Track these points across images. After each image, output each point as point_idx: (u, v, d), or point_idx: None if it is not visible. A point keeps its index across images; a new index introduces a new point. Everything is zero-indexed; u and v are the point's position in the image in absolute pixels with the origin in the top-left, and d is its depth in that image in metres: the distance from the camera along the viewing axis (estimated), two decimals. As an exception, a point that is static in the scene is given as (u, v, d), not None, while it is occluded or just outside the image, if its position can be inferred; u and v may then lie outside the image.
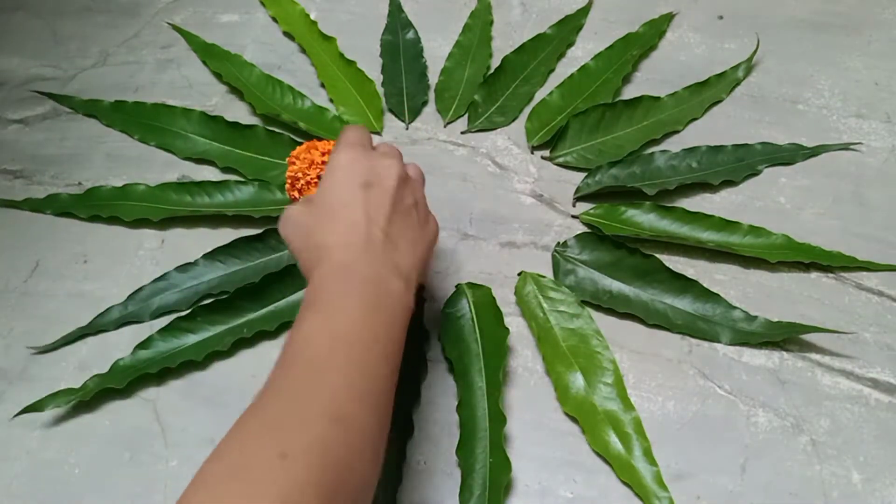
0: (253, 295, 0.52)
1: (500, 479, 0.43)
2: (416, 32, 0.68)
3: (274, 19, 0.71)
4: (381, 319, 0.36)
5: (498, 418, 0.45)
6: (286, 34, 0.70)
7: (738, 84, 0.62)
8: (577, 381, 0.48)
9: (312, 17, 0.70)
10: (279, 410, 0.32)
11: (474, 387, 0.47)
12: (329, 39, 0.67)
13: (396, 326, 0.37)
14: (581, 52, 0.66)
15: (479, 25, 0.68)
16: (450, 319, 0.51)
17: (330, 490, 0.29)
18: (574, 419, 0.47)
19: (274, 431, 0.31)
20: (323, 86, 0.65)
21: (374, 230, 0.38)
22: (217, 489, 0.28)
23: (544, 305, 0.51)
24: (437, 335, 0.51)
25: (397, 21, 0.69)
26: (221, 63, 0.67)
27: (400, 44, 0.67)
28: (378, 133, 0.63)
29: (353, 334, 0.35)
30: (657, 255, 0.52)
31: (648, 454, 0.45)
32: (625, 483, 0.44)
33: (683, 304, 0.50)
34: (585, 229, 0.55)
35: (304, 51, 0.68)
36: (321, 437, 0.30)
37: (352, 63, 0.65)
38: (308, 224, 0.40)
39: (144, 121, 0.64)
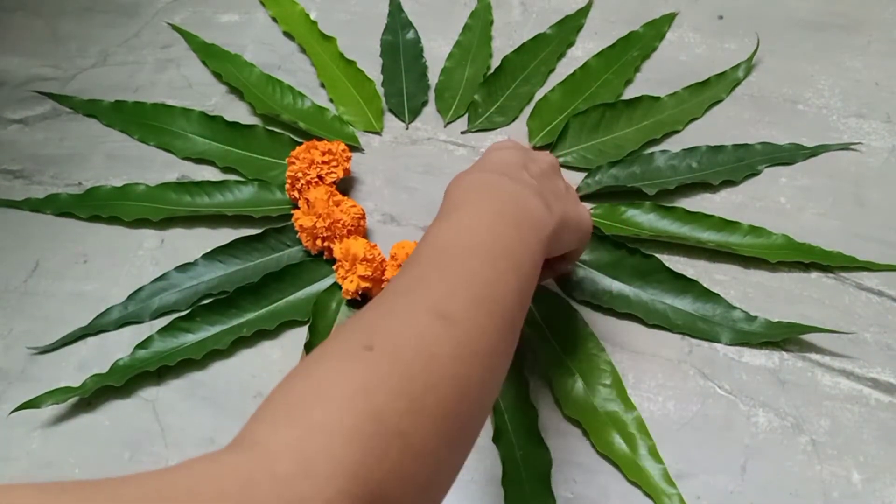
0: (253, 295, 0.52)
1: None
2: (416, 32, 0.68)
3: (274, 19, 0.71)
4: (515, 234, 0.33)
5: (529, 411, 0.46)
6: (286, 34, 0.70)
7: (738, 84, 0.62)
8: (576, 384, 0.48)
9: (312, 17, 0.70)
10: (382, 306, 0.29)
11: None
12: (329, 39, 0.67)
13: (532, 245, 0.34)
14: (581, 52, 0.66)
15: (479, 25, 0.68)
16: None
17: (419, 387, 0.26)
18: (575, 422, 0.47)
19: (368, 326, 0.28)
20: (323, 86, 0.65)
21: (518, 171, 0.37)
22: (291, 381, 0.26)
23: (536, 310, 0.51)
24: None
25: (397, 21, 0.69)
26: (221, 63, 0.67)
27: (400, 44, 0.67)
28: (378, 133, 0.63)
29: (483, 241, 0.32)
30: (657, 255, 0.51)
31: (654, 453, 0.45)
32: (633, 483, 0.44)
33: (683, 304, 0.50)
34: (585, 229, 0.55)
35: (304, 51, 0.68)
36: (418, 332, 0.28)
37: (352, 63, 0.65)
38: (467, 172, 0.38)
39: (144, 121, 0.64)
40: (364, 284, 0.51)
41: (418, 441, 0.25)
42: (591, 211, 0.56)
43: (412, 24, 0.69)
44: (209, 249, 0.55)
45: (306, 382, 0.26)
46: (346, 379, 0.25)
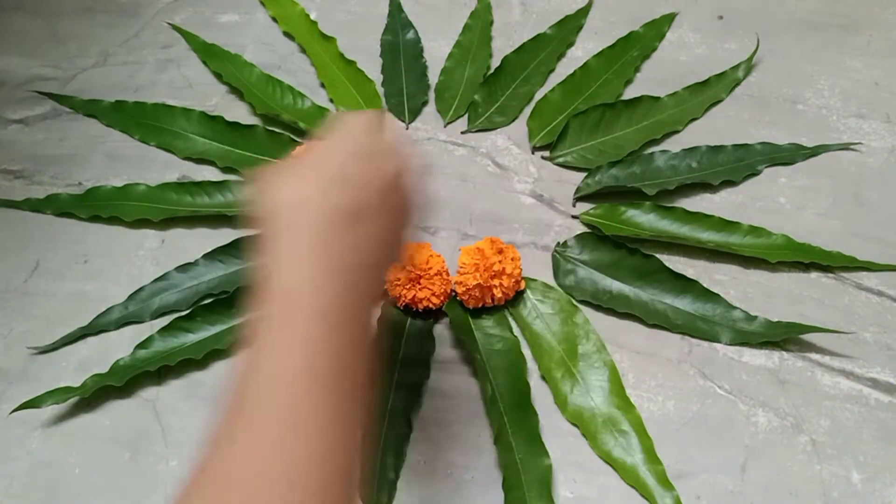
0: (253, 295, 0.52)
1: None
2: (416, 32, 0.68)
3: (274, 19, 0.71)
4: (346, 340, 0.30)
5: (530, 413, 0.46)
6: (286, 34, 0.70)
7: (738, 84, 0.62)
8: (574, 385, 0.48)
9: (312, 17, 0.70)
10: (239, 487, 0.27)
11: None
12: (329, 39, 0.67)
13: (360, 364, 0.31)
14: (581, 52, 0.66)
15: (479, 25, 0.68)
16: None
17: None
18: (575, 423, 0.47)
19: None
20: (323, 86, 0.65)
21: (342, 197, 0.31)
22: None
23: (537, 311, 0.51)
24: (444, 341, 0.51)
25: (397, 21, 0.69)
26: (221, 63, 0.67)
27: (400, 44, 0.67)
28: (378, 133, 0.63)
29: (321, 377, 0.29)
30: (657, 255, 0.52)
31: (651, 453, 0.45)
32: (631, 486, 0.44)
33: (683, 304, 0.50)
34: (585, 229, 0.55)
35: (304, 51, 0.68)
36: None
37: (352, 63, 0.65)
38: (277, 178, 0.32)
39: (144, 121, 0.64)
40: None
41: None
42: (592, 211, 0.56)
43: (412, 24, 0.69)
44: (209, 249, 0.55)
45: None
46: None
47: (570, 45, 0.66)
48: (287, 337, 0.29)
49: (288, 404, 0.28)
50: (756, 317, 0.49)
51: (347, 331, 0.30)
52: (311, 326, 0.29)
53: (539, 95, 0.63)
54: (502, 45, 0.67)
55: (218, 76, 0.67)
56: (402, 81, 0.65)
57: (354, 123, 0.35)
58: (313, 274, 0.30)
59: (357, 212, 0.32)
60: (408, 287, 0.50)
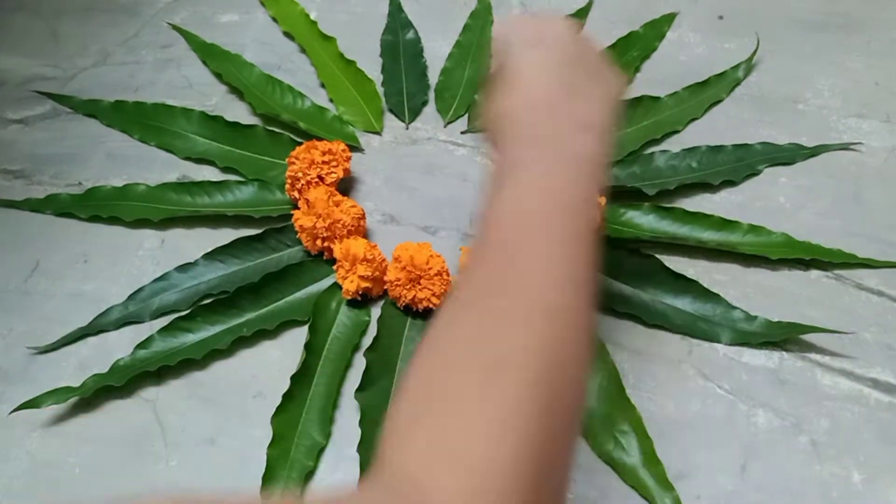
0: (253, 295, 0.52)
1: None
2: (416, 32, 0.68)
3: (274, 19, 0.71)
4: (572, 186, 0.33)
5: None
6: (286, 34, 0.70)
7: (738, 84, 0.62)
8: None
9: (312, 17, 0.70)
10: (486, 311, 0.28)
11: None
12: (329, 39, 0.67)
13: (591, 181, 0.34)
14: (581, 52, 0.66)
15: (479, 25, 0.68)
16: None
17: (548, 399, 0.25)
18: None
19: (477, 342, 0.27)
20: (323, 86, 0.65)
21: (552, 87, 0.36)
22: (427, 403, 0.25)
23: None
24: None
25: (397, 21, 0.69)
26: (221, 63, 0.67)
27: (400, 44, 0.67)
28: (378, 133, 0.63)
29: (555, 199, 0.32)
30: (657, 256, 0.52)
31: (651, 454, 0.45)
32: (630, 486, 0.44)
33: (683, 304, 0.50)
34: (585, 229, 0.55)
35: (304, 51, 0.68)
36: (533, 339, 0.27)
37: (352, 63, 0.65)
38: (493, 98, 0.38)
39: (144, 121, 0.64)
40: (364, 284, 0.51)
41: (558, 454, 0.26)
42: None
43: (412, 24, 0.69)
44: (209, 249, 0.55)
45: (445, 406, 0.25)
46: (489, 406, 0.25)
47: (570, 45, 0.66)
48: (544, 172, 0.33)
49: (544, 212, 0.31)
50: (756, 317, 0.49)
51: (590, 180, 0.34)
52: (565, 167, 0.33)
53: (539, 95, 0.63)
54: (502, 45, 0.67)
55: (218, 76, 0.67)
56: (402, 81, 0.65)
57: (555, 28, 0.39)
58: (562, 127, 0.35)
59: (582, 86, 0.37)
60: (408, 287, 0.50)
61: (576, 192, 0.32)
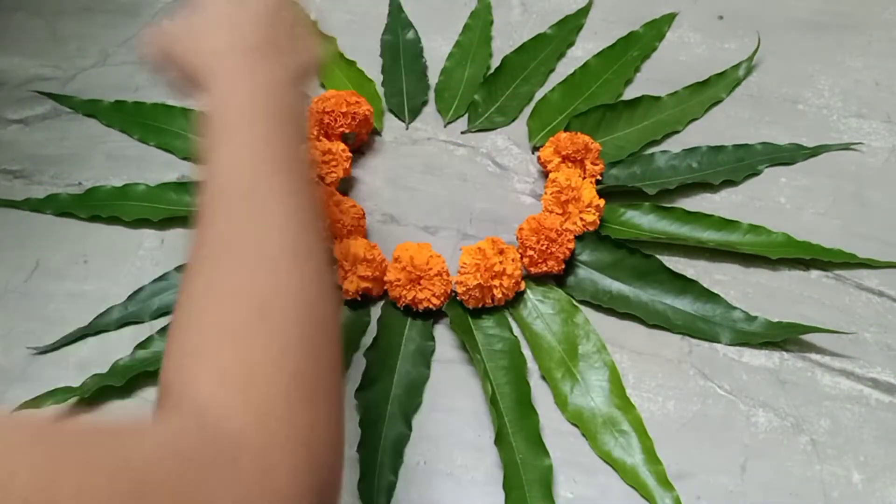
0: (253, 295, 0.52)
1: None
2: (416, 32, 0.68)
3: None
4: (288, 129, 0.36)
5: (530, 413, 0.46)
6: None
7: (738, 84, 0.62)
8: (574, 385, 0.48)
9: (312, 17, 0.70)
10: (234, 262, 0.31)
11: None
12: (329, 39, 0.67)
13: (300, 130, 0.37)
14: (581, 52, 0.66)
15: (479, 25, 0.68)
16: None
17: (310, 328, 0.30)
18: (575, 424, 0.47)
19: (242, 288, 0.30)
20: (323, 86, 0.65)
21: (252, 36, 0.38)
22: (192, 367, 0.28)
23: (537, 311, 0.51)
24: (444, 341, 0.51)
25: (397, 21, 0.69)
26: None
27: (400, 44, 0.67)
28: (378, 133, 0.63)
29: (270, 155, 0.34)
30: (657, 256, 0.51)
31: (651, 454, 0.45)
32: (631, 486, 0.44)
33: (683, 304, 0.50)
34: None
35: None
36: (284, 284, 0.30)
37: (352, 63, 0.65)
38: (183, 31, 0.39)
39: (144, 121, 0.64)
40: (364, 284, 0.51)
41: (325, 375, 0.30)
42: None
43: (412, 24, 0.69)
44: (209, 249, 0.55)
45: (224, 343, 0.28)
46: (263, 340, 0.28)
47: (570, 45, 0.66)
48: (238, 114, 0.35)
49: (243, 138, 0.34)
50: (756, 317, 0.49)
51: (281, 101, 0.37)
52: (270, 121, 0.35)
53: (539, 95, 0.63)
54: (502, 45, 0.67)
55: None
56: (402, 81, 0.65)
57: None
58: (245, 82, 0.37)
59: (277, 42, 0.39)
60: (408, 288, 0.50)
61: (287, 147, 0.35)
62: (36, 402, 0.49)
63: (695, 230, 0.53)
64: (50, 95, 0.67)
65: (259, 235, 0.32)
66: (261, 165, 0.34)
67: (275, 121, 0.35)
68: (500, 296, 0.50)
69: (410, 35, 0.68)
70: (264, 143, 0.34)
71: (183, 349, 0.29)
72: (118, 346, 0.52)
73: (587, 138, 0.55)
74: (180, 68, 0.39)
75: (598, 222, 0.53)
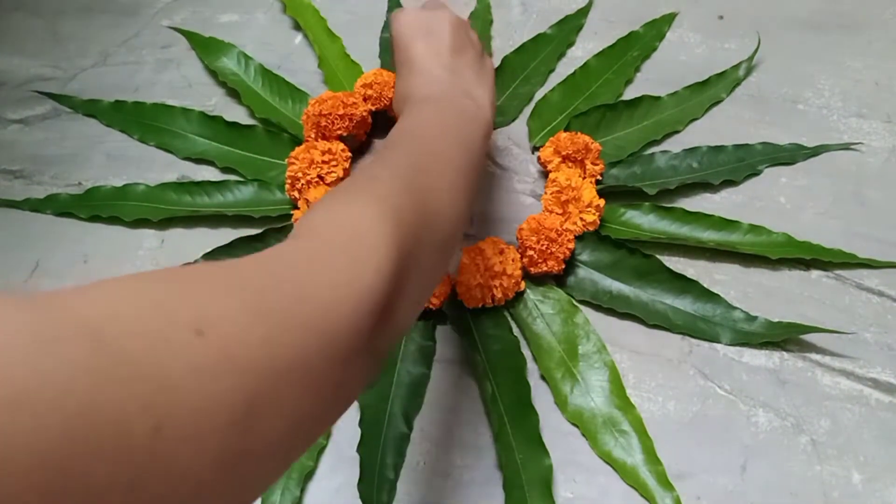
0: (253, 295, 0.52)
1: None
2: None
3: (283, 9, 0.71)
4: (458, 127, 0.41)
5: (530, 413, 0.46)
6: (293, 20, 0.70)
7: (738, 84, 0.62)
8: (574, 385, 0.48)
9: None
10: (375, 166, 0.35)
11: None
12: (335, 38, 0.67)
13: (473, 135, 0.42)
14: (581, 52, 0.66)
15: (479, 26, 0.68)
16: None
17: (419, 212, 0.32)
18: (575, 424, 0.47)
19: (375, 177, 0.34)
20: (325, 82, 0.65)
21: (439, 70, 0.45)
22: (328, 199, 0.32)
23: (537, 311, 0.51)
24: (444, 341, 0.51)
25: None
26: (221, 61, 0.67)
27: None
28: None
29: (438, 131, 0.40)
30: (657, 256, 0.51)
31: (651, 454, 0.45)
32: (631, 486, 0.44)
33: (683, 304, 0.50)
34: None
35: (310, 44, 0.68)
36: (410, 178, 0.34)
37: (356, 65, 0.65)
38: (398, 83, 0.48)
39: (144, 121, 0.64)
40: None
41: (419, 232, 0.32)
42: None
43: None
44: (209, 249, 0.55)
45: (345, 195, 0.32)
46: (370, 191, 0.32)
47: (570, 45, 0.66)
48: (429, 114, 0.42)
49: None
50: (756, 317, 0.49)
51: (475, 128, 0.43)
52: (456, 112, 0.43)
53: (539, 95, 0.63)
54: (502, 45, 0.67)
55: (214, 75, 0.67)
56: (402, 81, 0.65)
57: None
58: (451, 94, 0.44)
59: (464, 69, 0.47)
60: None
61: (462, 129, 0.41)
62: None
63: (695, 230, 0.53)
64: (50, 95, 0.67)
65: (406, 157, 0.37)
66: (449, 135, 0.40)
67: (460, 121, 0.42)
68: (500, 296, 0.50)
69: (410, 35, 0.68)
70: (452, 128, 0.41)
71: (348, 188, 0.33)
72: (118, 346, 0.52)
73: (587, 138, 0.55)
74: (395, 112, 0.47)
75: (598, 222, 0.53)
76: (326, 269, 0.26)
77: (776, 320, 0.49)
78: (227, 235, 0.56)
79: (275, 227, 0.56)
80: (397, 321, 0.29)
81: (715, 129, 0.60)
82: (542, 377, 0.49)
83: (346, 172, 0.57)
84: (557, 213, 0.53)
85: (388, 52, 0.67)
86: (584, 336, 0.50)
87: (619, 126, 0.60)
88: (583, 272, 0.52)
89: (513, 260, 0.50)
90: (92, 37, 0.73)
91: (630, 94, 0.62)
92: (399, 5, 0.70)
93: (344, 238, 0.28)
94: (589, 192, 0.53)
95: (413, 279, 0.30)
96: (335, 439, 0.47)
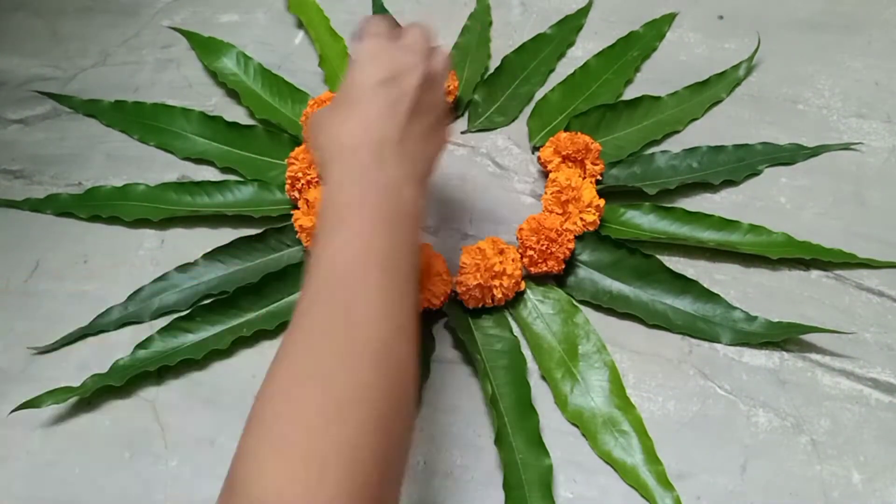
0: (253, 295, 0.52)
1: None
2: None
3: (287, 7, 0.71)
4: (401, 231, 0.36)
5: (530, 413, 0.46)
6: (296, 16, 0.70)
7: (738, 84, 0.62)
8: (574, 385, 0.48)
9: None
10: (316, 355, 0.31)
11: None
12: (337, 38, 0.67)
13: (414, 235, 0.37)
14: (581, 52, 0.66)
15: (478, 27, 0.68)
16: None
17: (385, 431, 0.29)
18: (575, 424, 0.47)
19: (316, 383, 0.30)
20: (325, 81, 0.65)
21: (390, 132, 0.37)
22: (265, 459, 0.28)
23: (537, 311, 0.51)
24: (444, 341, 0.51)
25: None
26: (221, 61, 0.67)
27: None
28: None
29: (377, 253, 0.34)
30: (657, 256, 0.51)
31: (651, 454, 0.45)
32: (631, 486, 0.44)
33: (683, 304, 0.50)
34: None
35: (308, 36, 0.68)
36: (367, 384, 0.30)
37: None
38: (327, 120, 0.39)
39: (144, 121, 0.64)
40: None
41: (393, 480, 0.30)
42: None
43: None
44: (209, 249, 0.55)
45: (297, 439, 0.28)
46: (336, 440, 0.28)
47: (570, 45, 0.66)
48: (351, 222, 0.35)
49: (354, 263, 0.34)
50: (756, 317, 0.49)
51: (411, 234, 0.37)
52: (388, 227, 0.35)
53: (539, 95, 0.63)
54: (502, 45, 0.67)
55: (213, 75, 0.67)
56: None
57: (374, 43, 0.40)
58: (390, 178, 0.37)
59: (418, 136, 0.39)
60: None
61: (396, 249, 0.35)
62: (36, 402, 0.49)
63: (695, 230, 0.53)
64: (50, 95, 0.67)
65: (354, 331, 0.31)
66: (369, 259, 0.33)
67: (389, 222, 0.35)
68: (500, 296, 0.50)
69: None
70: (375, 239, 0.34)
71: (257, 437, 0.29)
72: (118, 346, 0.52)
73: (587, 138, 0.55)
74: (316, 156, 0.39)
75: (598, 222, 0.53)
76: None
77: (776, 320, 0.49)
78: (227, 235, 0.56)
79: (275, 227, 0.56)
80: None
81: (715, 129, 0.60)
82: (542, 377, 0.49)
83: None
84: (557, 213, 0.53)
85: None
86: (584, 336, 0.50)
87: (619, 126, 0.60)
88: (583, 272, 0.52)
89: (513, 260, 0.50)
90: (92, 37, 0.73)
91: (630, 94, 0.62)
92: (383, 8, 0.69)
93: None
94: (589, 192, 0.53)
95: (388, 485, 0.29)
96: (335, 439, 0.47)
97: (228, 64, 0.66)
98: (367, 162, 0.36)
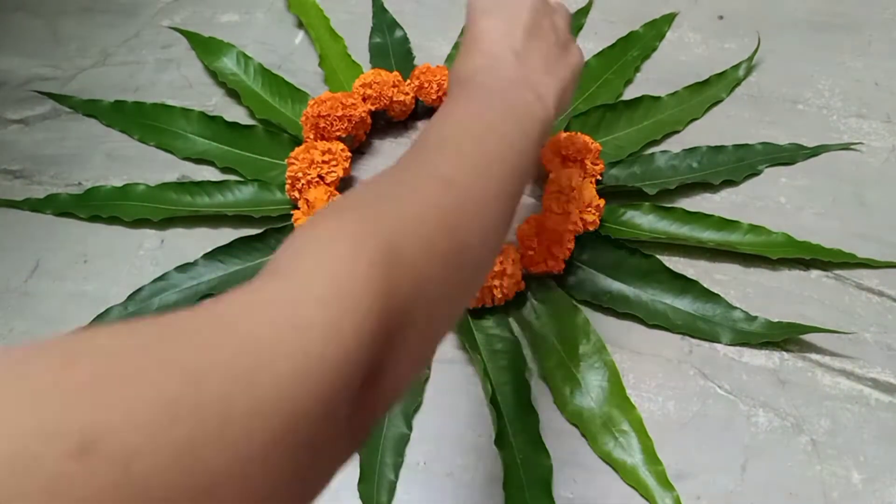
0: (253, 295, 0.52)
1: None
2: (403, 31, 0.68)
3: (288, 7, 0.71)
4: (509, 125, 0.35)
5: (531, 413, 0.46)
6: (294, 21, 0.70)
7: (738, 84, 0.62)
8: (574, 385, 0.48)
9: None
10: (388, 176, 0.30)
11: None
12: (337, 38, 0.67)
13: (527, 136, 0.36)
14: (581, 52, 0.66)
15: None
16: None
17: (429, 230, 0.28)
18: (575, 424, 0.47)
19: (375, 188, 0.29)
20: (325, 81, 0.65)
21: (505, 53, 0.38)
22: (311, 224, 0.26)
23: (537, 311, 0.51)
24: (445, 342, 0.51)
25: (383, 22, 0.69)
26: (221, 61, 0.67)
27: (389, 45, 0.67)
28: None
29: (481, 130, 0.34)
30: (657, 256, 0.51)
31: (651, 454, 0.45)
32: (631, 486, 0.44)
33: (683, 304, 0.50)
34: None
35: (309, 41, 0.68)
36: (425, 192, 0.29)
37: (357, 66, 0.65)
38: (455, 60, 0.40)
39: (144, 121, 0.64)
40: None
41: (427, 274, 0.27)
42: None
43: (398, 23, 0.68)
44: (209, 249, 0.55)
45: (327, 224, 0.26)
46: (362, 219, 0.26)
47: (570, 45, 0.66)
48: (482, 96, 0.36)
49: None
50: (756, 317, 0.49)
51: (527, 131, 0.36)
52: (504, 112, 0.36)
53: (539, 95, 0.63)
54: (502, 45, 0.66)
55: (214, 76, 0.67)
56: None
57: None
58: (508, 89, 0.37)
59: (536, 54, 0.39)
60: None
61: (505, 133, 0.35)
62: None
63: (695, 230, 0.53)
64: (50, 95, 0.67)
65: (428, 162, 0.31)
66: (482, 125, 0.34)
67: (512, 111, 0.36)
68: (500, 296, 0.50)
69: (398, 34, 0.67)
70: (487, 112, 0.35)
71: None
72: (118, 346, 0.52)
73: (587, 138, 0.55)
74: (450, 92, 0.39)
75: (598, 222, 0.53)
76: (286, 333, 0.20)
77: (776, 320, 0.49)
78: (227, 235, 0.56)
79: (275, 227, 0.56)
80: (386, 391, 0.25)
81: (715, 129, 0.60)
82: (542, 377, 0.49)
83: (346, 172, 0.57)
84: (557, 213, 0.53)
85: (379, 58, 0.66)
86: (584, 336, 0.50)
87: (619, 126, 0.60)
88: (583, 272, 0.52)
89: (513, 260, 0.50)
90: (92, 37, 0.73)
91: (630, 94, 0.62)
92: (384, 9, 0.69)
93: (315, 289, 0.22)
94: (589, 192, 0.53)
95: (412, 335, 0.25)
96: (335, 439, 0.47)
97: (228, 64, 0.66)
98: (481, 79, 0.37)
